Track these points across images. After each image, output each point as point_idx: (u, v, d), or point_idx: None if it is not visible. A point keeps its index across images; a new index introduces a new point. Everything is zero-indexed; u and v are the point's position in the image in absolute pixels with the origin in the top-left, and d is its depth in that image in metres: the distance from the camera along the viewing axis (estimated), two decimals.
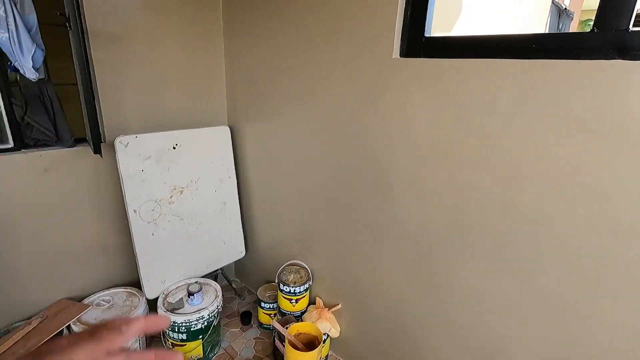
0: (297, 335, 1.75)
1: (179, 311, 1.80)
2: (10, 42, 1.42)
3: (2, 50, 1.44)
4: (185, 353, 1.82)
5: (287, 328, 1.70)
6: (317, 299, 1.98)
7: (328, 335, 1.88)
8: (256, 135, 2.10)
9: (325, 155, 1.73)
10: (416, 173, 1.40)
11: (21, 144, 1.60)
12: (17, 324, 1.65)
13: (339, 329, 1.90)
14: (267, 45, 1.85)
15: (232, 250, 2.32)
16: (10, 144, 1.57)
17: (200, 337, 1.81)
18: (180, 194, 1.99)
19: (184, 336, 1.78)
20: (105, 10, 1.65)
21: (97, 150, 1.53)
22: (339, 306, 1.90)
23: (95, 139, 1.51)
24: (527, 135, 1.10)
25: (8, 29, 1.40)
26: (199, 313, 1.78)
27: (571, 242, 1.08)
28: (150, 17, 1.80)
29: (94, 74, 1.68)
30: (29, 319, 1.68)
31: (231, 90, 2.20)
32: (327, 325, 1.85)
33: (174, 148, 1.92)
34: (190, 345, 1.81)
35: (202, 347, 1.84)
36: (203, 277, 2.12)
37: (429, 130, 1.32)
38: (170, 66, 1.95)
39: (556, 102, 1.02)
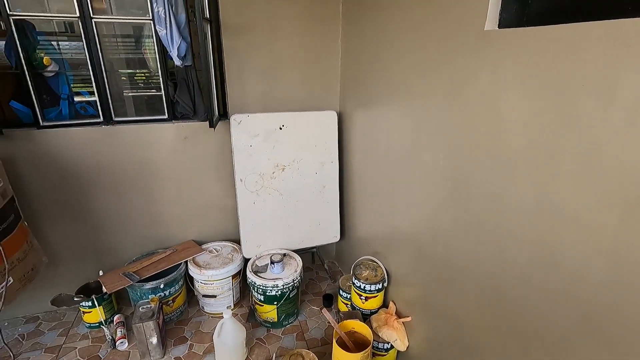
0: (352, 332, 1.67)
1: (262, 275, 2.01)
2: (167, 37, 1.85)
3: (162, 43, 1.89)
4: (262, 313, 2.03)
5: (338, 322, 1.64)
6: (391, 304, 1.82)
7: (392, 346, 1.72)
8: (362, 123, 2.03)
9: (412, 152, 1.53)
10: (498, 188, 1.07)
11: (172, 116, 2.09)
12: (158, 251, 2.22)
13: (407, 344, 1.71)
14: (373, 28, 1.74)
15: (327, 233, 2.39)
16: (166, 116, 2.08)
17: (275, 302, 1.97)
18: (281, 172, 2.17)
19: (262, 298, 1.98)
20: (234, 3, 1.91)
21: (211, 125, 1.83)
22: (409, 319, 1.69)
23: (210, 116, 1.81)
24: None
25: (165, 26, 1.83)
26: (274, 281, 1.93)
27: None
28: (271, 6, 1.97)
29: (224, 60, 1.99)
30: (165, 249, 2.22)
31: (344, 75, 2.19)
32: (392, 334, 1.70)
33: (281, 129, 2.10)
34: (266, 307, 2.00)
35: (276, 312, 2.00)
36: (296, 251, 2.27)
37: (521, 128, 0.98)
38: (288, 51, 2.10)
39: None
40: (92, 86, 1.92)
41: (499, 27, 1.06)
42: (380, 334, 1.71)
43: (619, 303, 0.79)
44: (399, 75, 1.57)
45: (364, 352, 1.54)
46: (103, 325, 1.99)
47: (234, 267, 2.10)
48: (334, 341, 1.59)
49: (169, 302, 2.05)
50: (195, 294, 2.18)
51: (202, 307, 2.20)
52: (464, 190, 1.24)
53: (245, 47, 2.01)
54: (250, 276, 2.00)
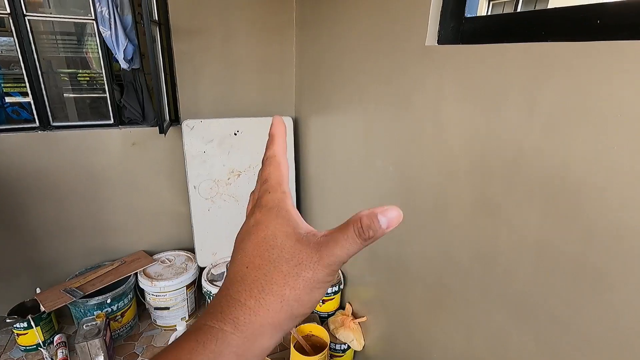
0: (309, 336, 1.70)
1: (218, 283, 1.97)
2: (111, 38, 1.77)
3: (107, 44, 1.80)
4: None
5: (296, 327, 1.66)
6: (348, 305, 1.87)
7: (349, 346, 1.76)
8: (317, 130, 2.07)
9: (365, 158, 1.59)
10: (442, 190, 1.16)
11: (119, 121, 1.99)
12: (105, 263, 2.09)
13: (363, 343, 1.76)
14: (328, 37, 1.79)
15: None
16: (112, 121, 1.97)
17: None
18: (237, 178, 2.14)
19: None
20: (186, 7, 1.87)
21: (161, 131, 1.77)
22: (365, 319, 1.75)
23: (160, 121, 1.75)
24: (577, 146, 0.77)
25: (110, 27, 1.74)
26: None
27: None
28: (224, 11, 1.95)
29: (174, 64, 1.94)
30: (113, 261, 2.10)
31: (300, 82, 2.22)
32: (349, 335, 1.74)
33: (235, 134, 2.08)
34: None
35: None
36: None
37: (460, 136, 1.06)
38: (242, 57, 2.09)
39: (627, 101, 0.68)
40: (26, 87, 1.77)
41: (438, 43, 1.14)
42: (337, 336, 1.75)
43: (545, 295, 0.88)
44: (352, 85, 1.63)
45: (320, 354, 1.56)
46: (41, 347, 1.83)
47: (188, 277, 2.04)
48: (292, 346, 1.60)
49: (117, 318, 1.94)
50: (147, 307, 2.08)
51: (154, 320, 2.10)
52: (411, 194, 1.31)
53: (197, 52, 1.97)
54: (206, 285, 1.95)
